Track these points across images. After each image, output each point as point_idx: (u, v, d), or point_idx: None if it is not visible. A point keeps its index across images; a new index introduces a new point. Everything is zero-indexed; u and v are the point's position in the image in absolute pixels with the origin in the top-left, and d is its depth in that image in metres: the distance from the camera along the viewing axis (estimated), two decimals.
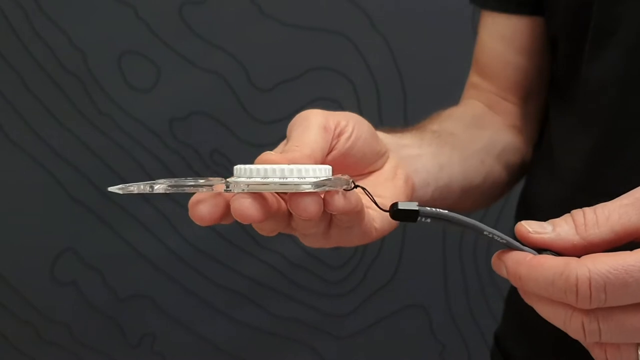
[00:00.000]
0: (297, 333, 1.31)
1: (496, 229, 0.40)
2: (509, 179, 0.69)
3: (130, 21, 1.18)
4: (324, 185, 0.40)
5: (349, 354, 1.33)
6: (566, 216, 0.39)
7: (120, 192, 0.42)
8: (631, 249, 0.37)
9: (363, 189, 0.42)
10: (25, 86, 1.18)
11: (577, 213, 0.39)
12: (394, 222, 0.48)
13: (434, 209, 0.39)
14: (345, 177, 0.42)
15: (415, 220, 0.40)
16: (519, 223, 0.40)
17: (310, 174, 0.40)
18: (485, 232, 0.39)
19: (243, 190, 0.40)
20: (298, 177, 0.39)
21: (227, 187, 0.40)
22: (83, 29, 1.17)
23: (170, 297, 1.28)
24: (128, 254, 1.25)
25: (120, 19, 1.18)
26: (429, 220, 0.40)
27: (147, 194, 0.41)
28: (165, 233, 1.25)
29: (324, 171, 0.40)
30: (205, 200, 0.41)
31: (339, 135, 0.46)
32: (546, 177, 0.68)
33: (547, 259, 0.37)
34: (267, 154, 0.42)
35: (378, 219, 0.47)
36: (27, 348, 1.26)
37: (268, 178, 0.39)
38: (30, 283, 1.24)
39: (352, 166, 0.48)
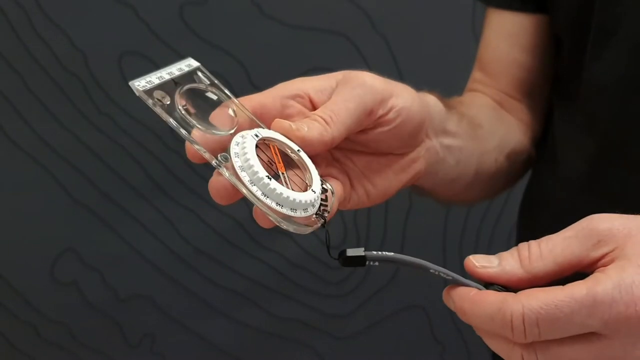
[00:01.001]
0: (297, 333, 1.31)
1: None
2: (511, 177, 0.70)
3: (131, 21, 1.18)
4: (292, 224, 0.40)
5: (349, 354, 1.33)
6: (512, 250, 0.41)
7: (136, 93, 0.42)
8: (576, 280, 0.38)
9: (327, 232, 0.42)
10: (26, 86, 1.18)
11: (523, 247, 0.40)
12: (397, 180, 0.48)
13: (380, 253, 0.41)
14: (329, 202, 0.42)
15: (363, 264, 0.41)
16: (467, 257, 0.41)
17: (289, 206, 0.39)
18: (431, 270, 0.41)
19: (227, 177, 0.40)
20: (276, 204, 0.39)
21: (218, 163, 0.40)
22: (83, 29, 1.17)
23: (170, 297, 1.28)
24: (128, 254, 1.25)
25: (120, 19, 1.18)
26: (377, 263, 0.41)
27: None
28: (165, 233, 1.25)
29: (304, 205, 0.40)
30: (219, 186, 0.42)
31: (378, 125, 0.45)
32: (550, 177, 0.68)
33: (488, 295, 0.39)
34: (284, 124, 0.42)
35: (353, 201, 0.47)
36: (27, 348, 1.26)
37: (253, 185, 0.39)
38: (31, 283, 1.24)
39: (372, 147, 0.47)
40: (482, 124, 0.63)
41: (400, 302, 1.32)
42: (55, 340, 1.26)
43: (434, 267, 0.41)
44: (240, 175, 0.39)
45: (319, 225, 0.41)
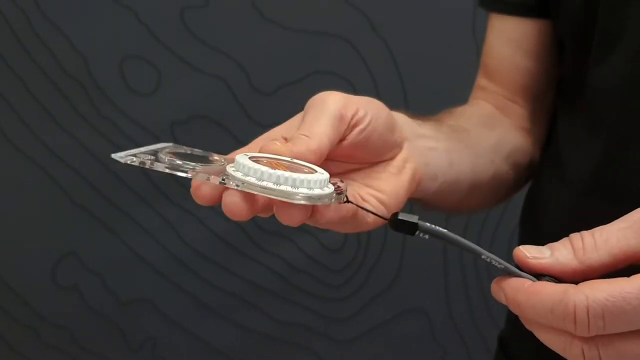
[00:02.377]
0: (298, 337, 1.31)
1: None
2: (516, 180, 0.69)
3: (132, 25, 1.18)
4: (317, 199, 0.40)
5: (350, 357, 1.33)
6: (564, 240, 0.39)
7: (121, 160, 0.42)
8: (630, 273, 0.37)
9: (358, 205, 0.42)
10: (27, 90, 1.18)
11: (575, 237, 0.39)
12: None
13: (433, 226, 0.39)
14: (343, 185, 0.42)
15: (413, 233, 0.39)
16: (517, 248, 0.39)
17: (305, 185, 0.39)
18: (483, 256, 0.39)
19: (237, 186, 0.40)
20: (292, 187, 0.39)
21: (222, 180, 0.40)
22: (84, 33, 1.18)
23: (171, 301, 1.28)
24: (129, 258, 1.25)
25: (121, 23, 1.18)
26: (426, 236, 0.39)
27: (147, 169, 0.41)
28: (167, 237, 1.25)
29: (319, 183, 0.40)
30: (205, 183, 0.41)
31: (354, 126, 0.46)
32: (554, 182, 0.68)
33: (545, 286, 0.37)
34: (271, 144, 0.42)
35: (372, 216, 0.47)
36: (28, 351, 1.26)
37: (263, 181, 0.39)
38: (32, 287, 1.24)
39: (360, 156, 0.48)
40: (468, 128, 0.62)
41: (401, 306, 1.32)
42: (56, 344, 1.26)
43: (486, 254, 0.39)
44: (245, 180, 0.39)
45: (343, 201, 0.41)
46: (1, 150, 1.20)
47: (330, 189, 0.41)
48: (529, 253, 0.39)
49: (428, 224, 0.39)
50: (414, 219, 0.39)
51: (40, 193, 1.21)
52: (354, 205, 0.43)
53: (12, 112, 1.19)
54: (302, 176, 0.39)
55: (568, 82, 0.68)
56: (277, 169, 0.39)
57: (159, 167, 0.42)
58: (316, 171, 0.41)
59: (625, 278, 0.36)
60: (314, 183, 0.40)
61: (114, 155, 0.42)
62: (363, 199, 0.46)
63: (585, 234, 0.39)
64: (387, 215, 0.44)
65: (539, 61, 0.69)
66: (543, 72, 0.70)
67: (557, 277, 0.38)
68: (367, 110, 0.46)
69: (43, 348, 1.26)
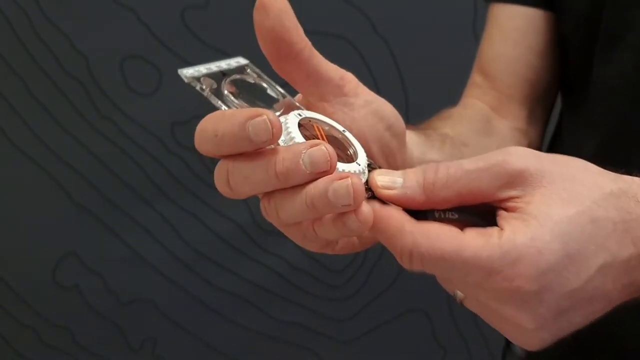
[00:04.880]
0: (298, 337, 1.31)
1: None
2: None
3: (132, 25, 1.18)
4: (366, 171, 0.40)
5: (351, 358, 1.33)
6: (418, 169, 0.40)
7: (185, 79, 0.41)
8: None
9: (383, 202, 0.41)
10: (28, 90, 1.18)
11: (430, 169, 0.39)
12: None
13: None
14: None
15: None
16: (371, 174, 0.40)
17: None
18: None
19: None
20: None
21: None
22: (85, 33, 1.18)
23: (172, 300, 1.28)
24: (130, 258, 1.25)
25: (122, 23, 1.18)
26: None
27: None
28: (167, 237, 1.25)
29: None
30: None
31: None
32: None
33: (391, 216, 0.38)
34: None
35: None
36: (29, 352, 1.26)
37: None
38: (32, 287, 1.24)
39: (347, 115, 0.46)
40: (468, 142, 0.60)
41: (401, 306, 1.32)
42: (57, 343, 1.26)
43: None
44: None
45: (367, 196, 0.40)
46: (1, 150, 1.20)
47: (365, 176, 0.40)
48: (380, 181, 0.39)
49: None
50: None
51: (41, 193, 1.21)
52: None
53: (12, 112, 1.19)
54: (340, 165, 0.39)
55: (572, 81, 0.67)
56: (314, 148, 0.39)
57: (217, 102, 0.41)
58: (356, 159, 0.41)
59: (455, 234, 0.37)
60: (353, 175, 0.39)
61: (179, 71, 0.42)
62: None
63: (441, 166, 0.39)
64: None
65: (542, 56, 0.68)
66: (545, 68, 0.68)
67: (403, 207, 0.39)
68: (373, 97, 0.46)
69: (43, 348, 1.26)
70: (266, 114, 0.37)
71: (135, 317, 1.27)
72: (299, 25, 0.41)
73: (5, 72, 1.17)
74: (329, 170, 0.37)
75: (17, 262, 1.23)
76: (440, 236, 0.37)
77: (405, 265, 0.38)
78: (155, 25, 1.19)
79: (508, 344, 0.74)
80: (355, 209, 0.36)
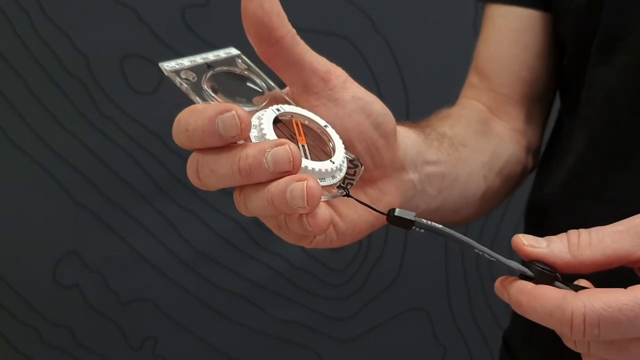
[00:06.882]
0: (298, 336, 1.31)
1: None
2: (507, 191, 0.67)
3: (133, 24, 1.18)
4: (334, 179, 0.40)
5: (351, 357, 1.33)
6: (561, 235, 0.41)
7: (164, 72, 0.41)
8: (626, 284, 0.38)
9: (357, 200, 0.42)
10: (28, 89, 1.18)
11: (573, 233, 0.41)
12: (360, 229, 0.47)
13: (429, 222, 0.41)
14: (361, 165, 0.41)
15: (409, 228, 0.41)
16: (516, 235, 0.41)
17: (302, 172, 0.38)
18: (476, 250, 0.41)
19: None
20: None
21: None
22: (86, 32, 1.17)
23: (172, 300, 1.28)
24: (130, 257, 1.25)
25: (122, 22, 1.18)
26: (422, 230, 0.41)
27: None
28: (167, 236, 1.25)
29: (329, 172, 0.40)
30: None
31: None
32: (550, 181, 0.68)
33: (547, 291, 0.38)
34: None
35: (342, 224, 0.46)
36: (29, 351, 1.26)
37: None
38: (32, 286, 1.24)
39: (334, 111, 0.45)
40: (466, 142, 0.60)
41: (401, 305, 1.32)
42: (57, 343, 1.26)
43: (479, 247, 0.41)
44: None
45: (339, 195, 0.41)
46: (2, 149, 1.20)
47: (332, 180, 0.40)
48: (526, 241, 0.41)
49: (424, 220, 0.41)
50: (410, 215, 0.41)
51: (41, 192, 1.21)
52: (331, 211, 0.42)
53: (13, 111, 1.19)
54: (305, 163, 0.39)
55: (567, 81, 0.67)
56: (294, 142, 0.39)
57: (195, 98, 0.41)
58: (333, 155, 0.40)
59: (622, 289, 0.37)
60: (316, 173, 0.39)
61: (160, 64, 0.42)
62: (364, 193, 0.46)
63: (583, 231, 0.41)
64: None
65: (539, 56, 0.68)
66: (542, 69, 0.68)
67: (549, 266, 0.40)
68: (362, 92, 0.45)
69: (43, 347, 1.26)
70: (235, 110, 0.37)
71: (136, 316, 1.27)
72: (282, 12, 0.41)
73: (5, 71, 1.17)
74: (292, 170, 0.37)
75: (17, 261, 1.23)
76: (610, 292, 0.37)
77: (577, 336, 0.37)
78: (156, 24, 1.19)
79: (506, 343, 0.75)
80: (309, 212, 0.37)
